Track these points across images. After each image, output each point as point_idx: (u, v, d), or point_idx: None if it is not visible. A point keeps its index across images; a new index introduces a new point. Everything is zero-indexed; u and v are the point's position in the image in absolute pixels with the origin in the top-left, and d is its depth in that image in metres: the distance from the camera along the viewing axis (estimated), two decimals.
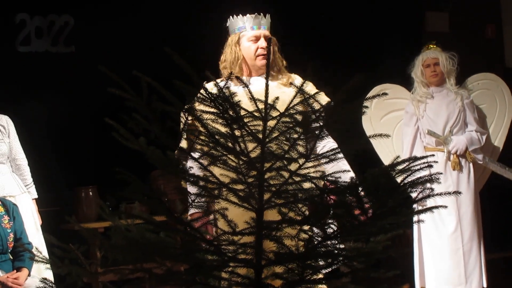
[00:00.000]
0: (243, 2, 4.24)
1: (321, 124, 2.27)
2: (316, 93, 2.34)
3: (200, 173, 2.43)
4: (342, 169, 3.58)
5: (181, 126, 2.41)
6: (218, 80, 3.91)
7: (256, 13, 3.98)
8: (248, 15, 3.98)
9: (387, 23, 7.92)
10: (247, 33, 3.97)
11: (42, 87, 6.60)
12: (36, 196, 5.43)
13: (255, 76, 3.99)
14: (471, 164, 5.72)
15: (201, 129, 2.34)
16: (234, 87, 3.85)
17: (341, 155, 2.89)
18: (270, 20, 4.01)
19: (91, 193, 6.54)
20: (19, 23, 6.72)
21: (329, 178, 2.36)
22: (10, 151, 5.32)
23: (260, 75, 3.98)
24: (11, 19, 6.69)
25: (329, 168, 3.70)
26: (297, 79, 3.97)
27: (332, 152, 2.38)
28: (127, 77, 2.43)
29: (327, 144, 3.63)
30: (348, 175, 3.69)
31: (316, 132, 2.29)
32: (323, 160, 2.38)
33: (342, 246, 2.37)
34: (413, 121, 5.81)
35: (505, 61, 8.39)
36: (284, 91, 3.80)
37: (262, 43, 3.94)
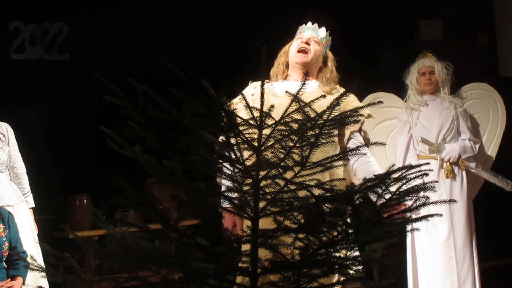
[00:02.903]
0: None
1: (317, 132, 2.28)
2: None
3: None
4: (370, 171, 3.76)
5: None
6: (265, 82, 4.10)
7: (310, 23, 4.24)
8: (304, 24, 4.25)
9: (380, 31, 7.93)
10: (297, 36, 4.22)
11: (36, 95, 6.58)
12: (33, 205, 5.42)
13: (292, 80, 4.15)
14: (464, 172, 5.73)
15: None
16: (273, 85, 4.02)
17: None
18: (325, 34, 4.24)
19: (85, 201, 6.53)
20: (13, 30, 6.71)
21: (325, 186, 2.36)
22: (9, 159, 5.31)
23: (297, 79, 4.14)
24: (5, 27, 6.67)
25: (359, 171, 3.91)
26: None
27: (328, 161, 2.37)
28: (122, 85, 2.43)
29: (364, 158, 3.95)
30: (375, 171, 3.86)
31: (312, 140, 2.29)
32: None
33: (338, 254, 2.37)
34: (406, 129, 5.82)
35: (499, 69, 8.40)
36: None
37: (306, 39, 4.15)
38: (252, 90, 4.05)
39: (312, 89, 4.01)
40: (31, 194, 5.41)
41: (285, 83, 4.08)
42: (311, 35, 4.16)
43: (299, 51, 4.12)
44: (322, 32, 4.22)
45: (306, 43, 4.12)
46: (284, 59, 4.18)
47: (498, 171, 5.82)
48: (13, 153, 5.33)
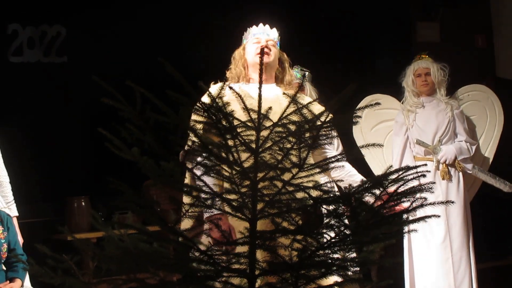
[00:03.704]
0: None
1: (314, 134, 2.28)
2: (310, 102, 2.35)
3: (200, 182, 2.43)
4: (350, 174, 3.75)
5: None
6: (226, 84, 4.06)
7: (261, 23, 4.12)
8: (254, 26, 4.13)
9: (378, 33, 7.94)
10: (251, 40, 4.10)
11: (34, 98, 6.59)
12: (17, 214, 5.38)
13: (257, 82, 4.05)
14: (460, 174, 5.73)
15: (195, 139, 2.34)
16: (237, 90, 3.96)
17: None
18: (278, 34, 4.14)
19: (83, 203, 6.53)
20: (11, 33, 6.72)
21: (323, 188, 2.37)
22: None
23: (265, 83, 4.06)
24: (3, 30, 6.68)
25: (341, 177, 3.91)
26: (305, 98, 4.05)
27: (325, 162, 2.38)
28: (120, 87, 2.43)
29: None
30: (358, 177, 3.82)
31: (309, 141, 2.30)
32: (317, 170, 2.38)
33: (336, 255, 2.37)
34: (402, 131, 5.82)
35: (496, 71, 8.42)
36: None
37: (263, 43, 4.04)
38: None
39: (279, 93, 3.92)
40: (15, 203, 5.38)
41: (251, 86, 4.00)
42: (267, 38, 4.08)
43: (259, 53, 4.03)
44: (274, 33, 4.13)
45: (266, 46, 4.04)
46: (244, 61, 4.09)
47: (495, 172, 5.82)
48: None
